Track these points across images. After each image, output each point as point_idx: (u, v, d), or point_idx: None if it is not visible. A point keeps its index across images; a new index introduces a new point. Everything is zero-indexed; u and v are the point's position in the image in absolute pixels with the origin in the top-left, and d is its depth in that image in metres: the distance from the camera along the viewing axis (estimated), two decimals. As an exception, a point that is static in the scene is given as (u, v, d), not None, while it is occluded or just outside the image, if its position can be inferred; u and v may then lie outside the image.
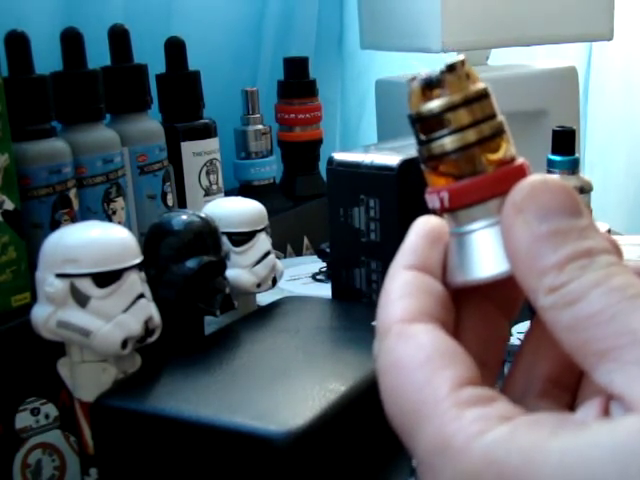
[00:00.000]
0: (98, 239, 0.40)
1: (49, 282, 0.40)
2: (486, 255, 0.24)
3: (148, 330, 0.41)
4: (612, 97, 1.15)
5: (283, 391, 0.39)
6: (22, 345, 0.50)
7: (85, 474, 0.43)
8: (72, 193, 0.57)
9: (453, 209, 0.24)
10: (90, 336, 0.39)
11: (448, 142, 0.24)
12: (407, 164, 0.50)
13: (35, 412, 0.51)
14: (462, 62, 0.24)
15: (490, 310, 0.26)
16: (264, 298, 0.55)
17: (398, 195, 0.50)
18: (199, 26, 0.86)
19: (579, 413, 0.21)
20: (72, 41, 0.60)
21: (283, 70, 0.91)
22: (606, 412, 0.21)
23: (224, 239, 0.49)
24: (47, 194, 0.55)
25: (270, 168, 0.88)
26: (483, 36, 0.87)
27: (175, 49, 0.72)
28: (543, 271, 0.22)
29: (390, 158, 0.50)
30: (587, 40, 1.03)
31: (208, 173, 0.73)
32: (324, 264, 0.74)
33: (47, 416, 0.52)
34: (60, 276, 0.39)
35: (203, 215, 0.47)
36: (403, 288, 0.24)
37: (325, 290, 0.58)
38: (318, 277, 0.74)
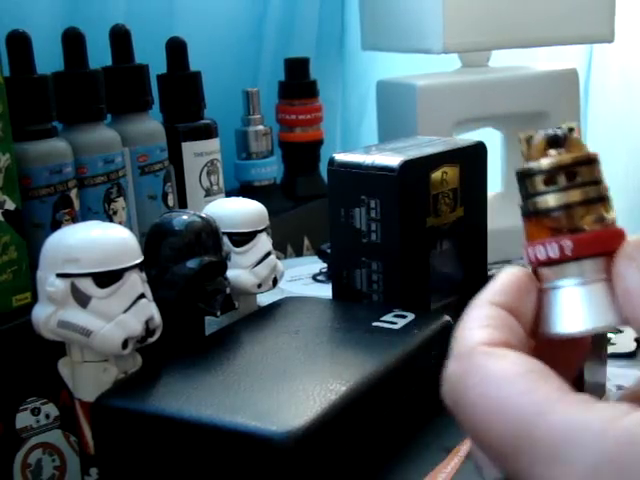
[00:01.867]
0: (99, 239, 0.40)
1: (50, 282, 0.40)
2: (593, 308, 0.25)
3: (149, 330, 0.41)
4: (613, 99, 1.15)
5: (284, 391, 0.39)
6: (22, 345, 0.50)
7: (85, 474, 0.43)
8: (73, 193, 0.57)
9: (572, 258, 0.26)
10: (91, 336, 0.39)
11: (553, 199, 0.26)
12: (408, 165, 0.50)
13: (35, 412, 0.51)
14: (577, 125, 0.27)
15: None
16: (265, 298, 0.55)
17: (399, 196, 0.50)
18: (200, 27, 0.86)
19: None
20: (73, 41, 0.60)
21: (284, 71, 0.91)
22: None
23: (225, 239, 0.49)
24: (48, 194, 0.55)
25: (271, 169, 0.88)
26: (484, 37, 0.87)
27: (176, 49, 0.72)
28: None
29: (391, 159, 0.50)
30: (588, 42, 1.03)
31: (209, 173, 0.73)
32: (324, 265, 0.74)
33: (47, 416, 0.52)
34: (61, 276, 0.39)
35: (204, 215, 0.47)
36: (487, 319, 0.25)
37: (326, 291, 0.58)
38: (318, 278, 0.74)
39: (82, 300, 0.39)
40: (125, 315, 0.40)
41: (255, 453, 0.35)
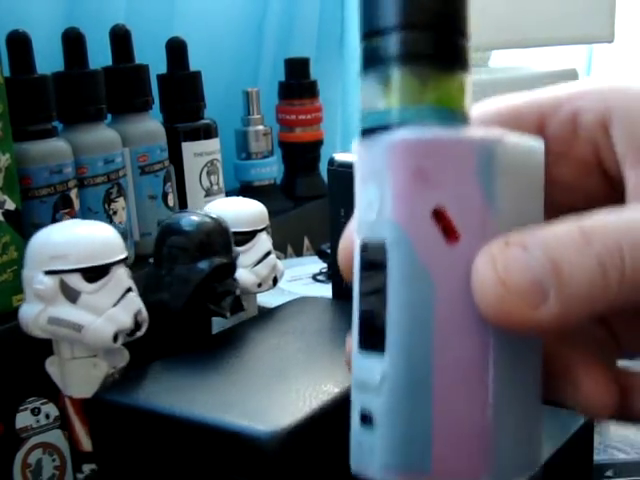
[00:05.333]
0: (85, 236, 0.41)
1: (38, 279, 0.40)
2: None
3: (137, 323, 0.41)
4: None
5: (276, 391, 0.39)
6: (23, 345, 0.50)
7: (77, 471, 0.43)
8: (73, 193, 0.57)
9: None
10: (82, 331, 0.39)
11: None
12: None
13: (35, 412, 0.51)
14: None
15: None
16: (265, 298, 0.55)
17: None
18: (200, 27, 0.86)
19: None
20: (74, 41, 0.60)
21: (284, 71, 0.91)
22: None
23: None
24: (48, 194, 0.55)
25: (271, 169, 0.88)
26: (484, 38, 0.87)
27: (176, 49, 0.72)
28: None
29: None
30: (588, 42, 1.03)
31: (209, 174, 0.73)
32: (324, 265, 0.74)
33: (47, 416, 0.52)
34: (49, 273, 0.39)
35: (214, 216, 0.47)
36: None
37: (325, 291, 0.58)
38: (318, 278, 0.74)
39: (72, 296, 0.39)
40: (115, 309, 0.40)
41: (241, 451, 0.35)
